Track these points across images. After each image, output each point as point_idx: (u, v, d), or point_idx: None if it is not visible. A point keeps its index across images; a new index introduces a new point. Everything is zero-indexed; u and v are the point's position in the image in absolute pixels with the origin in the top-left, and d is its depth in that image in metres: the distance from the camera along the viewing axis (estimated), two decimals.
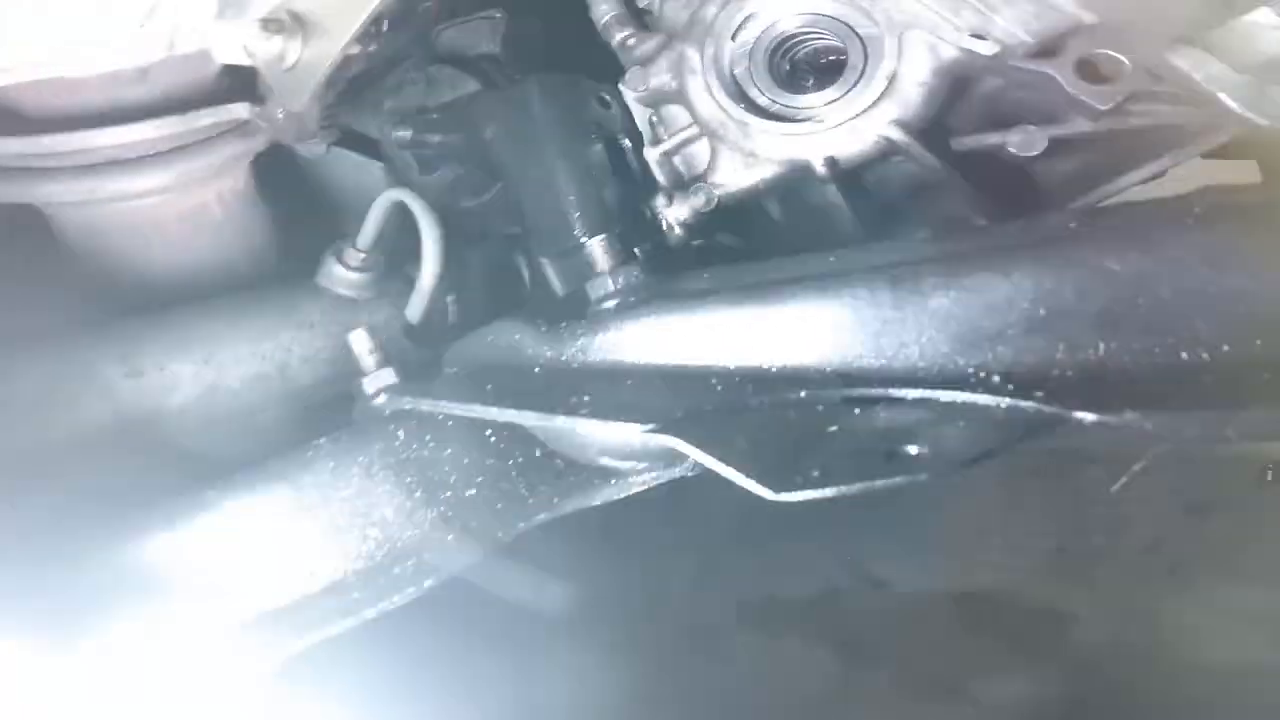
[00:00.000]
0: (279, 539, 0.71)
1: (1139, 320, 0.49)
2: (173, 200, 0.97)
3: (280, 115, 0.96)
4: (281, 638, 0.68)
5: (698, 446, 0.49)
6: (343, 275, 0.95)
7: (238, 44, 0.83)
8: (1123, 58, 0.69)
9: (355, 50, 0.81)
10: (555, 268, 0.97)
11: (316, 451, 0.73)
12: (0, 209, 0.92)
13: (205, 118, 0.92)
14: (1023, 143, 0.76)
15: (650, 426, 0.51)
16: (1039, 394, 0.48)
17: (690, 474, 0.72)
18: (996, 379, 0.50)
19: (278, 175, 1.08)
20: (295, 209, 1.12)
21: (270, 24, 0.80)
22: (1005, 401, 0.49)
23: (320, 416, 0.90)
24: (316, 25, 0.81)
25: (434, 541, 0.72)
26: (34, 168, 0.89)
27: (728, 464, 0.48)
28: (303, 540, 0.71)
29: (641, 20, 0.93)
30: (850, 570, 1.18)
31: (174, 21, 0.82)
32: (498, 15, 1.02)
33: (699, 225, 0.89)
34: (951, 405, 0.49)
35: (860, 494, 0.46)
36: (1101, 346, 0.50)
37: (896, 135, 0.77)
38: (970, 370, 0.51)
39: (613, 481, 0.72)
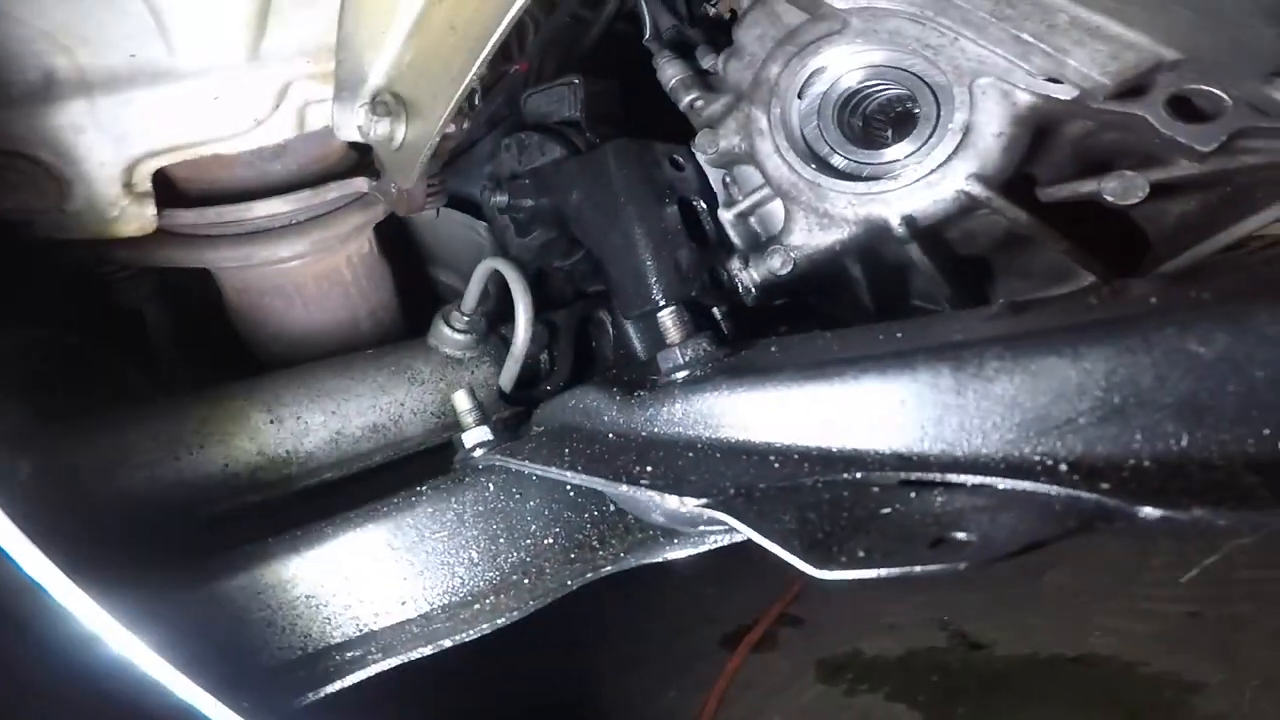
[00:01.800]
0: (380, 570, 0.80)
1: (1229, 409, 0.45)
2: (310, 264, 1.13)
3: (393, 189, 1.06)
4: (370, 656, 0.76)
5: (745, 522, 0.50)
6: (449, 336, 1.05)
7: (353, 124, 0.94)
8: (1221, 93, 0.62)
9: (450, 129, 0.88)
10: (636, 329, 1.01)
11: (419, 497, 0.82)
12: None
13: (333, 190, 1.07)
14: (1120, 189, 0.69)
15: (702, 501, 0.53)
16: (1105, 486, 0.45)
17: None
18: (1063, 468, 0.48)
19: (397, 234, 1.20)
20: (411, 264, 1.24)
21: (378, 105, 0.90)
22: (1065, 492, 0.46)
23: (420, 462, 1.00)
24: (416, 106, 0.87)
25: (511, 584, 0.79)
26: (202, 235, 1.06)
27: (772, 540, 0.48)
28: (399, 573, 0.80)
29: (708, 82, 0.94)
30: (943, 629, 1.10)
31: (303, 100, 0.96)
32: (575, 81, 1.06)
33: (777, 286, 0.87)
34: (1009, 493, 0.48)
35: (900, 577, 0.46)
36: (1185, 438, 0.46)
37: (976, 190, 0.73)
38: (1036, 458, 0.49)
39: (675, 541, 0.75)
